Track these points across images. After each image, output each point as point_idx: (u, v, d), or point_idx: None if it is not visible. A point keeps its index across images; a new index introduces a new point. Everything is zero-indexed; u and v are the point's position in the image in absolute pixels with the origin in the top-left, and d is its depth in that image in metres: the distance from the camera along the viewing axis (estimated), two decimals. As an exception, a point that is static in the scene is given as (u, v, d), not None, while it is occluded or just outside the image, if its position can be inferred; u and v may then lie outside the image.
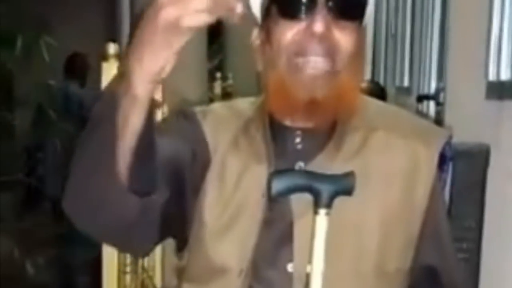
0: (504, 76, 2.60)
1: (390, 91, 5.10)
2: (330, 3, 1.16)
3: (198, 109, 1.35)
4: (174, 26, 0.94)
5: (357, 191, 1.15)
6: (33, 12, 5.31)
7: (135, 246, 1.24)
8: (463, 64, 3.07)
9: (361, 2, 1.22)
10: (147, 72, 0.99)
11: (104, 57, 1.87)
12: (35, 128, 5.59)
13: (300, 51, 1.18)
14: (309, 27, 1.17)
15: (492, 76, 2.65)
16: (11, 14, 4.99)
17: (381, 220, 1.22)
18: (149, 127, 1.07)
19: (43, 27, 5.12)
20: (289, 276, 1.20)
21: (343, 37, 1.18)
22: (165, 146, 1.18)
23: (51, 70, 5.18)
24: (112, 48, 1.87)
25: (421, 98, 4.34)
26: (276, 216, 1.22)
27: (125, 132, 1.04)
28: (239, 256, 1.22)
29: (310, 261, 1.12)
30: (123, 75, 1.02)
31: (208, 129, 1.29)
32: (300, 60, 1.18)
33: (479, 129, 2.65)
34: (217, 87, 4.87)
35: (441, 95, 3.49)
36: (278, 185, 1.14)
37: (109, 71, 1.86)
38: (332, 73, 1.18)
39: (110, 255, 1.86)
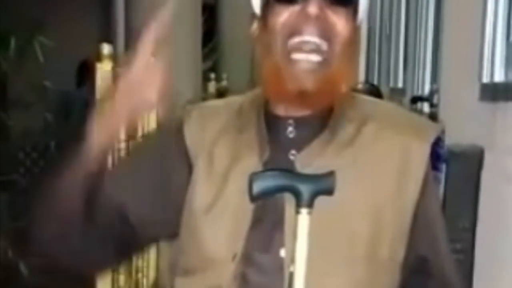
0: (498, 77, 2.61)
1: (384, 92, 5.11)
2: None
3: (188, 107, 1.37)
4: (128, 113, 1.20)
5: (348, 181, 1.17)
6: (27, 12, 5.31)
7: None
8: (457, 65, 3.08)
9: None
10: (100, 137, 1.22)
11: (98, 57, 1.87)
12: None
13: (294, 32, 1.19)
14: (303, 9, 1.19)
15: (485, 78, 2.66)
16: (4, 15, 4.98)
17: (372, 209, 1.23)
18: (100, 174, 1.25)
19: (37, 28, 5.11)
20: (281, 260, 1.21)
21: (338, 20, 1.20)
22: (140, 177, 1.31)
23: (45, 71, 5.17)
24: (106, 48, 1.88)
25: (415, 100, 4.34)
26: (270, 202, 1.22)
27: (77, 175, 1.23)
28: (233, 242, 1.22)
29: (293, 261, 1.12)
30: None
31: (190, 128, 1.31)
32: (296, 40, 1.19)
33: (473, 131, 2.66)
34: (211, 88, 4.88)
35: (435, 96, 3.50)
36: (259, 186, 1.15)
37: (103, 71, 1.87)
38: (324, 64, 1.20)
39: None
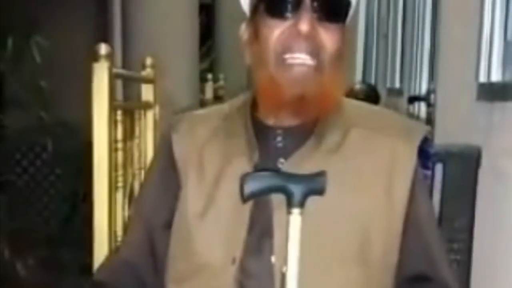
0: (495, 77, 2.61)
1: (381, 92, 5.11)
2: (315, 4, 1.21)
3: (174, 119, 1.41)
4: None
5: (336, 186, 1.18)
6: (23, 12, 5.29)
7: None
8: (454, 65, 3.08)
9: (344, 4, 1.27)
10: None
11: (95, 57, 1.86)
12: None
13: (286, 49, 1.22)
14: (295, 26, 1.21)
15: (483, 78, 2.65)
16: (1, 15, 4.97)
17: (360, 214, 1.24)
18: None
19: (34, 28, 5.10)
20: (273, 267, 1.22)
21: (328, 36, 1.23)
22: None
23: (42, 71, 5.16)
24: (103, 48, 1.86)
25: (412, 100, 4.35)
26: (260, 209, 1.24)
27: None
28: (230, 245, 1.24)
29: (285, 261, 1.12)
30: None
31: (178, 142, 1.35)
32: (287, 56, 1.22)
33: (470, 131, 2.66)
34: (209, 88, 4.88)
35: (432, 96, 3.50)
36: (251, 186, 1.16)
37: (100, 71, 1.86)
38: (317, 71, 1.22)
39: (101, 256, 1.86)
